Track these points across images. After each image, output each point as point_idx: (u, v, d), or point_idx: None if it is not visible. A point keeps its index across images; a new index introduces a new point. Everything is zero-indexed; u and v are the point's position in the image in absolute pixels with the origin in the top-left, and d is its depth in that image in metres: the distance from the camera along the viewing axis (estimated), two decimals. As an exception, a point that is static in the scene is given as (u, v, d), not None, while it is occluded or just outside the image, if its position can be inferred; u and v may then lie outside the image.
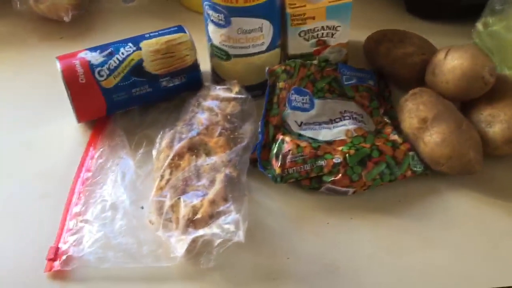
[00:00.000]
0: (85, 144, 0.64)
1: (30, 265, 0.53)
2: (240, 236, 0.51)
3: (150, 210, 0.55)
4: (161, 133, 0.61)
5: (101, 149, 0.63)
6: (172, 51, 0.64)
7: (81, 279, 0.52)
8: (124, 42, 0.64)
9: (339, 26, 0.66)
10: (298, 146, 0.58)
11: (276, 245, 0.55)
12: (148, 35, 0.65)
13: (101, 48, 0.64)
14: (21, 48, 0.79)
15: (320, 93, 0.66)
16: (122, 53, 0.63)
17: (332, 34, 0.67)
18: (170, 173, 0.57)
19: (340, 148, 0.59)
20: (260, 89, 0.67)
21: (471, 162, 0.57)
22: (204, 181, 0.56)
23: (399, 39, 0.68)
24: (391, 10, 0.83)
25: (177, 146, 0.59)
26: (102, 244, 0.53)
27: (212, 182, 0.55)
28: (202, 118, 0.62)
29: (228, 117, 0.61)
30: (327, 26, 0.66)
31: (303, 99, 0.65)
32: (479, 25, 0.74)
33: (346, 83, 0.68)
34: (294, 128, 0.62)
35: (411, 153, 0.59)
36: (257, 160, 0.59)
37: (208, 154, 0.58)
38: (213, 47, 0.66)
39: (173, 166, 0.57)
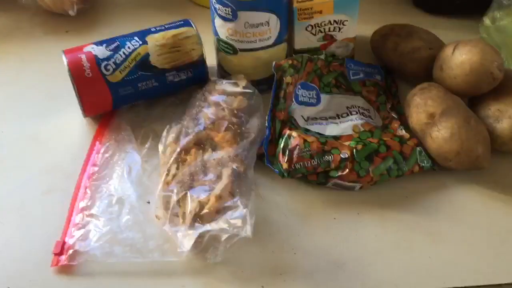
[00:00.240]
0: (91, 139, 0.64)
1: (36, 260, 0.53)
2: (248, 231, 0.51)
3: (157, 204, 0.55)
4: (167, 127, 0.61)
5: (107, 144, 0.62)
6: (178, 46, 0.64)
7: (87, 274, 0.52)
8: (130, 36, 0.64)
9: (347, 21, 0.66)
10: (305, 141, 0.58)
11: (283, 240, 0.54)
12: (154, 29, 0.65)
13: (107, 42, 0.63)
14: (26, 42, 0.79)
15: (327, 88, 0.66)
16: (129, 47, 0.63)
17: (340, 29, 0.67)
18: (177, 168, 0.57)
19: (347, 143, 0.59)
20: (266, 84, 0.66)
21: (479, 158, 0.56)
22: (211, 176, 0.55)
23: (407, 34, 0.68)
24: (398, 4, 0.83)
25: (183, 141, 0.58)
26: (109, 239, 0.53)
27: (219, 177, 0.55)
28: (209, 112, 0.61)
29: (235, 111, 0.61)
30: (334, 21, 0.66)
31: (309, 94, 0.64)
32: (487, 20, 0.73)
33: (352, 78, 0.67)
34: (301, 123, 0.62)
35: (418, 148, 0.59)
36: (264, 155, 0.59)
37: (214, 149, 0.58)
38: (219, 42, 0.66)
39: (180, 161, 0.57)
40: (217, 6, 0.62)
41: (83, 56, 0.62)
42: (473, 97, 0.63)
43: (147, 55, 0.63)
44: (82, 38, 0.69)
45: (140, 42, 0.63)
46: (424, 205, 0.57)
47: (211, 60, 0.68)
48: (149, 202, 0.56)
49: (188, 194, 0.54)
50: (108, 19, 0.82)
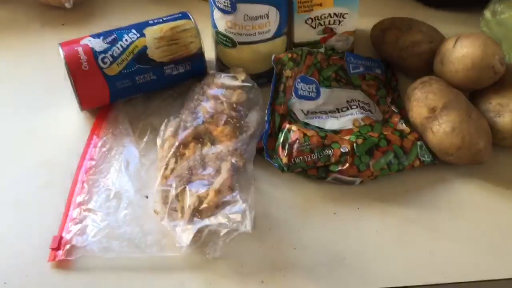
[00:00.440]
0: (88, 133, 0.63)
1: (34, 255, 0.52)
2: (247, 226, 0.50)
3: (155, 199, 0.55)
4: (166, 121, 0.61)
5: (105, 138, 0.62)
6: (176, 38, 0.63)
7: (85, 269, 0.52)
8: (128, 28, 0.63)
9: (347, 13, 0.65)
10: (305, 135, 0.57)
11: (282, 235, 0.54)
12: (152, 21, 0.64)
13: (104, 35, 0.63)
14: (23, 34, 0.78)
15: (327, 82, 0.66)
16: (126, 40, 0.62)
17: (340, 22, 0.66)
18: (175, 162, 0.56)
19: (347, 138, 0.58)
20: (265, 77, 0.66)
21: (480, 152, 0.56)
22: (210, 170, 0.55)
23: (407, 27, 0.67)
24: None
25: (182, 135, 0.58)
26: (106, 234, 0.53)
27: (218, 171, 0.55)
28: (207, 106, 0.61)
29: (234, 105, 0.60)
30: (334, 13, 0.65)
31: (309, 88, 0.64)
32: (487, 13, 0.73)
33: (352, 71, 0.67)
34: (301, 117, 0.62)
35: (419, 142, 0.59)
36: (263, 149, 0.59)
37: (213, 143, 0.58)
38: (218, 34, 0.65)
39: (178, 155, 0.57)
40: (216, -2, 0.61)
41: (80, 49, 0.61)
42: (474, 91, 0.62)
43: (144, 48, 0.62)
44: (79, 31, 0.68)
45: (138, 35, 0.62)
46: (424, 200, 0.57)
47: (209, 53, 0.67)
48: (147, 197, 0.56)
49: (187, 189, 0.53)
50: (105, 11, 0.81)
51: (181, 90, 0.66)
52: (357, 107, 0.63)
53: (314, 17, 0.65)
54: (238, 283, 0.50)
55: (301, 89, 0.63)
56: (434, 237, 0.54)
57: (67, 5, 0.78)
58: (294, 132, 0.58)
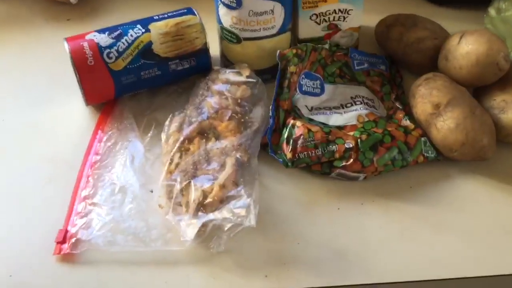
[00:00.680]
0: (93, 127, 0.63)
1: (39, 248, 0.53)
2: (252, 220, 0.50)
3: (160, 194, 0.55)
4: (170, 116, 0.61)
5: (110, 132, 0.62)
6: (181, 34, 0.63)
7: (90, 262, 0.52)
8: (133, 24, 0.64)
9: (352, 10, 0.65)
10: (309, 130, 0.57)
11: (286, 230, 0.54)
12: (157, 17, 0.64)
13: (109, 30, 0.63)
14: (27, 30, 0.78)
15: (331, 78, 0.66)
16: (131, 35, 0.62)
17: (344, 18, 0.66)
18: (180, 157, 0.56)
19: (351, 133, 0.58)
20: (270, 73, 0.66)
21: (484, 148, 0.56)
22: (214, 165, 0.55)
23: (412, 24, 0.67)
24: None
25: (187, 130, 0.58)
26: (111, 228, 0.53)
27: (222, 166, 0.55)
28: (212, 102, 0.61)
29: (239, 101, 0.61)
30: (339, 10, 0.65)
31: (313, 84, 0.64)
32: (492, 10, 0.73)
33: (357, 68, 0.67)
34: (305, 112, 0.62)
35: (423, 138, 0.59)
36: (268, 145, 0.59)
37: (218, 138, 0.58)
38: (223, 30, 0.65)
39: (183, 150, 0.57)
40: (221, -6, 0.61)
41: (86, 44, 0.61)
42: (478, 87, 0.62)
43: (150, 43, 0.62)
44: (84, 26, 0.69)
45: (143, 30, 0.63)
46: (428, 196, 0.57)
47: (214, 49, 0.67)
48: (152, 191, 0.56)
49: (192, 183, 0.54)
50: (110, 7, 0.81)
51: (186, 85, 0.66)
52: (361, 103, 0.63)
53: (319, 13, 0.65)
54: (242, 277, 0.51)
55: (306, 85, 0.63)
56: (437, 233, 0.54)
57: (72, 0, 0.78)
58: (298, 128, 0.58)
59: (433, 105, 0.58)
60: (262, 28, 0.63)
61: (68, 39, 0.62)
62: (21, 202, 0.57)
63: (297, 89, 0.63)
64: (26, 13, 0.81)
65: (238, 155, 0.56)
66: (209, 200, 0.52)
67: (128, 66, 0.62)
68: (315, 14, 0.65)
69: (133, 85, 0.63)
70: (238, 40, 0.64)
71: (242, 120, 0.59)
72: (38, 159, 0.61)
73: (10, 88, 0.70)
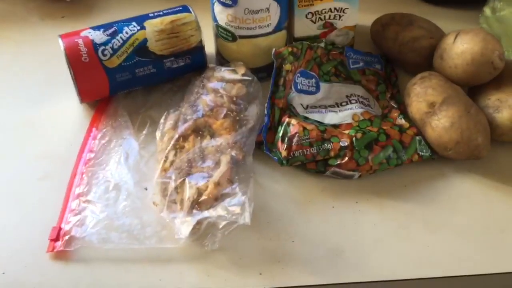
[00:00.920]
0: (88, 125, 0.63)
1: (32, 246, 0.52)
2: (246, 218, 0.50)
3: (154, 191, 0.55)
4: (165, 114, 0.61)
5: (104, 130, 0.62)
6: (176, 31, 0.63)
7: (84, 260, 0.52)
8: (128, 21, 0.63)
9: (347, 8, 0.65)
10: (304, 129, 0.57)
11: (281, 228, 0.54)
12: (152, 14, 0.64)
13: (104, 27, 0.63)
14: (22, 27, 0.78)
15: (326, 77, 0.66)
16: (126, 33, 0.62)
17: (340, 16, 0.66)
18: (175, 155, 0.56)
19: (347, 132, 0.58)
20: (265, 72, 0.66)
21: (479, 147, 0.56)
22: (209, 163, 0.55)
23: (407, 23, 0.67)
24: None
25: (182, 128, 0.58)
26: (105, 225, 0.53)
27: (217, 164, 0.55)
28: (207, 99, 0.61)
29: (234, 99, 0.61)
30: (335, 8, 0.65)
31: (309, 82, 0.64)
32: (487, 10, 0.73)
33: (352, 66, 0.67)
34: (300, 111, 0.62)
35: (418, 137, 0.59)
36: (263, 143, 0.59)
37: (213, 136, 0.58)
38: (218, 28, 0.65)
39: (178, 147, 0.57)
40: (217, -9, 0.61)
41: (80, 41, 0.61)
42: (473, 86, 0.63)
43: (145, 40, 0.62)
44: (79, 24, 0.68)
45: (138, 28, 0.62)
46: (422, 194, 0.57)
47: (210, 47, 0.67)
48: (146, 189, 0.56)
49: (186, 181, 0.54)
50: (105, 4, 0.81)
51: (181, 83, 0.66)
52: (356, 102, 0.63)
53: (315, 12, 0.65)
54: (236, 274, 0.51)
55: (301, 83, 0.63)
56: (432, 231, 0.54)
57: (67, -3, 0.78)
58: (293, 126, 0.58)
59: (428, 104, 0.58)
60: (257, 26, 0.63)
61: (62, 36, 0.62)
62: (15, 199, 0.57)
63: (293, 87, 0.63)
64: (21, 10, 0.81)
65: (233, 153, 0.56)
66: (203, 197, 0.52)
67: (123, 64, 0.62)
68: (310, 12, 0.65)
69: (128, 83, 0.63)
70: (234, 38, 0.64)
71: (237, 118, 0.59)
72: (32, 157, 0.61)
73: (4, 86, 0.70)
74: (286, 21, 0.65)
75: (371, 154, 0.57)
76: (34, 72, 0.71)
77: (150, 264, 0.51)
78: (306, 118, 0.61)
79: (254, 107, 0.61)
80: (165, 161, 0.56)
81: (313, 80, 0.64)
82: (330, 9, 0.65)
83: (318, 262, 0.52)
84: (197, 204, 0.52)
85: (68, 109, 0.65)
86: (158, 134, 0.59)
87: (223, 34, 0.65)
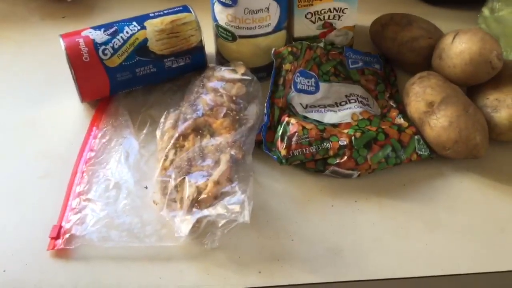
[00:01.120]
0: (88, 124, 0.63)
1: (33, 244, 0.53)
2: (246, 217, 0.51)
3: (154, 190, 0.55)
4: (165, 113, 0.61)
5: (105, 129, 0.62)
6: (177, 31, 0.64)
7: (84, 258, 0.52)
8: (129, 21, 0.64)
9: (346, 8, 0.66)
10: (303, 128, 0.58)
11: (280, 227, 0.54)
12: (153, 14, 0.65)
13: (105, 27, 0.63)
14: (23, 27, 0.78)
15: (326, 76, 0.66)
16: (127, 32, 0.62)
17: (339, 17, 0.66)
18: (175, 154, 0.56)
19: (346, 131, 0.59)
20: (265, 71, 0.66)
21: (477, 146, 0.56)
22: (209, 162, 0.55)
23: (406, 23, 0.68)
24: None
25: (181, 127, 0.58)
26: (106, 223, 0.53)
27: (217, 162, 0.55)
28: (207, 99, 0.61)
29: (234, 98, 0.61)
30: (334, 8, 0.66)
31: (308, 82, 0.64)
32: (485, 10, 0.73)
33: (351, 66, 0.67)
34: (299, 110, 0.62)
35: (416, 136, 0.59)
36: (262, 142, 0.59)
37: (212, 135, 0.58)
38: (218, 28, 0.65)
39: (178, 146, 0.57)
40: (217, -9, 0.61)
41: (81, 40, 0.61)
42: (471, 86, 0.63)
43: (145, 40, 0.62)
44: (79, 24, 0.69)
45: (139, 27, 0.63)
46: (421, 193, 0.57)
47: (210, 46, 0.68)
48: (146, 187, 0.56)
49: (186, 180, 0.54)
50: (106, 4, 0.81)
51: (181, 83, 0.67)
52: (355, 101, 0.63)
53: (314, 12, 0.66)
54: (236, 273, 0.51)
55: (300, 83, 0.64)
56: (430, 230, 0.54)
57: (67, -2, 0.79)
58: (293, 125, 0.58)
59: (427, 103, 0.59)
60: (257, 26, 0.63)
61: (63, 36, 0.62)
62: (16, 198, 0.57)
63: (292, 87, 0.63)
64: (22, 10, 0.81)
65: (232, 152, 0.56)
66: (203, 196, 0.52)
67: (123, 63, 0.62)
68: (310, 12, 0.66)
69: (128, 82, 0.63)
70: (234, 38, 0.64)
71: (237, 117, 0.60)
72: (33, 156, 0.61)
73: (5, 85, 0.70)
74: (286, 21, 0.66)
75: (370, 153, 0.57)
76: (35, 72, 0.71)
77: (150, 262, 0.52)
78: (305, 118, 0.61)
79: (254, 107, 0.61)
80: (165, 160, 0.56)
81: (313, 80, 0.64)
82: (330, 9, 0.66)
83: (317, 261, 0.52)
84: (196, 202, 0.52)
85: (69, 109, 0.66)
86: (158, 133, 0.60)
87: (223, 34, 0.65)
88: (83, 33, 0.62)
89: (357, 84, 0.66)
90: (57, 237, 0.52)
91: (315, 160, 0.58)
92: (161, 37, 0.63)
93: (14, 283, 0.50)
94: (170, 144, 0.57)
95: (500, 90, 0.60)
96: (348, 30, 0.69)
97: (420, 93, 0.60)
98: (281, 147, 0.58)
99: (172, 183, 0.54)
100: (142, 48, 0.62)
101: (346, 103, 0.63)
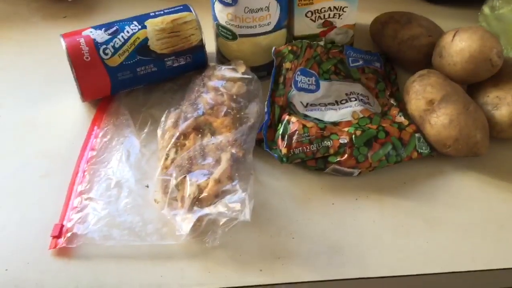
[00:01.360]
0: (90, 123, 0.64)
1: (35, 242, 0.53)
2: (246, 215, 0.51)
3: (156, 188, 0.55)
4: (166, 112, 0.61)
5: (106, 128, 0.62)
6: (177, 30, 0.64)
7: (86, 257, 0.52)
8: (129, 20, 0.64)
9: (346, 7, 0.66)
10: (304, 126, 0.58)
11: (281, 225, 0.55)
12: (153, 13, 0.65)
13: (106, 26, 0.63)
14: (24, 27, 0.79)
15: (326, 75, 0.66)
16: (127, 32, 0.62)
17: (339, 15, 0.67)
18: (176, 152, 0.57)
19: (346, 129, 0.59)
20: (265, 70, 0.66)
21: (477, 144, 0.57)
22: (209, 160, 0.55)
23: (406, 21, 0.68)
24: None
25: (182, 126, 0.58)
26: (107, 222, 0.53)
27: (217, 161, 0.55)
28: (208, 98, 0.61)
29: (234, 97, 0.61)
30: (334, 7, 0.66)
31: (309, 80, 0.64)
32: (486, 8, 0.73)
33: (352, 65, 0.67)
34: (300, 109, 0.62)
35: (417, 134, 0.59)
36: (263, 140, 0.59)
37: (213, 133, 0.58)
38: (219, 27, 0.65)
39: (179, 145, 0.57)
40: (217, -10, 0.62)
41: (82, 40, 0.61)
42: (472, 84, 0.63)
43: (146, 39, 0.63)
44: (80, 24, 0.69)
45: (139, 27, 0.63)
46: (422, 191, 0.58)
47: (210, 45, 0.68)
48: (147, 186, 0.56)
49: (187, 178, 0.54)
50: (106, 4, 0.81)
51: (182, 82, 0.67)
52: (356, 99, 0.63)
53: (314, 10, 0.66)
54: (237, 271, 0.51)
55: (301, 81, 0.64)
56: (431, 228, 0.54)
57: (68, -3, 0.79)
58: (293, 123, 0.58)
59: (427, 101, 0.59)
60: (257, 25, 0.63)
61: (64, 35, 0.62)
62: (18, 197, 0.57)
63: (293, 85, 0.63)
64: (23, 10, 0.81)
65: (233, 151, 0.56)
66: (204, 194, 0.53)
67: (124, 62, 0.62)
68: (310, 11, 0.66)
69: (129, 82, 0.64)
70: (234, 37, 0.64)
71: (238, 116, 0.60)
72: (34, 155, 0.61)
73: (7, 85, 0.70)
74: (286, 19, 0.66)
75: (371, 152, 0.57)
76: (36, 72, 0.71)
77: (151, 261, 0.52)
78: (306, 116, 0.61)
79: (254, 105, 0.61)
80: (166, 158, 0.56)
81: (313, 78, 0.64)
82: (330, 7, 0.66)
83: (318, 259, 0.52)
84: (197, 201, 0.52)
85: (70, 108, 0.66)
86: (159, 132, 0.60)
87: (223, 33, 0.65)
88: (84, 33, 0.62)
89: (358, 83, 0.66)
90: (58, 236, 0.53)
91: (316, 159, 0.58)
92: (162, 36, 0.63)
93: (16, 282, 0.50)
94: (171, 143, 0.57)
95: (500, 88, 0.60)
96: (348, 28, 0.69)
97: (420, 91, 0.60)
98: (282, 146, 0.58)
99: (173, 181, 0.54)
100: (142, 47, 0.63)
101: (347, 101, 0.63)
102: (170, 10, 0.65)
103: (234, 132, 0.58)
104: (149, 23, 0.63)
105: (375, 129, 0.59)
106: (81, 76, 0.61)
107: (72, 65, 0.60)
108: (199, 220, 0.52)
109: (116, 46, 0.62)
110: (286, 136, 0.58)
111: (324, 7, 0.66)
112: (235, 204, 0.52)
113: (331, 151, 0.57)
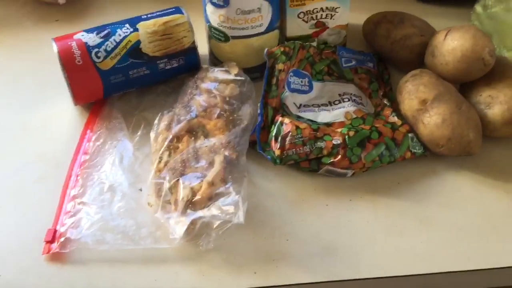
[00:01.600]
0: (82, 127, 0.63)
1: (28, 247, 0.53)
2: (240, 217, 0.51)
3: (149, 192, 0.55)
4: (159, 115, 0.61)
5: (99, 132, 0.62)
6: (169, 33, 0.64)
7: (79, 261, 0.52)
8: (121, 23, 0.64)
9: (339, 7, 0.66)
10: (297, 127, 0.58)
11: (275, 227, 0.54)
12: (145, 16, 0.65)
13: (98, 30, 0.63)
14: (16, 31, 0.78)
15: (319, 76, 0.66)
16: (119, 35, 0.62)
17: (332, 16, 0.67)
18: (169, 155, 0.56)
19: (339, 130, 0.59)
20: (258, 72, 0.66)
21: (470, 143, 0.57)
22: (203, 163, 0.55)
23: (399, 21, 0.68)
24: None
25: (175, 128, 0.58)
26: (100, 226, 0.53)
27: (211, 164, 0.55)
28: (201, 100, 0.61)
29: (227, 99, 0.61)
30: (326, 7, 0.66)
31: (302, 81, 0.64)
32: (478, 7, 0.73)
33: (345, 65, 0.67)
34: (293, 110, 0.62)
35: (410, 134, 0.59)
36: (256, 142, 0.59)
37: (206, 136, 0.58)
38: (211, 29, 0.65)
39: (172, 148, 0.57)
40: (209, -8, 0.61)
41: (74, 44, 0.61)
42: (464, 83, 0.63)
43: (138, 42, 0.62)
44: (72, 27, 0.69)
45: (131, 29, 0.63)
46: (415, 191, 0.58)
47: (203, 47, 0.68)
48: (141, 190, 0.56)
49: (180, 181, 0.54)
50: (98, 7, 0.81)
51: (175, 84, 0.67)
52: (349, 100, 0.63)
53: (306, 11, 0.66)
54: (231, 273, 0.51)
55: (294, 82, 0.64)
56: (425, 228, 0.54)
57: (60, 1, 0.79)
58: (286, 125, 0.58)
59: (420, 101, 0.59)
60: (250, 26, 0.63)
61: (56, 39, 0.62)
62: (10, 201, 0.57)
63: (286, 86, 0.63)
64: (15, 14, 0.81)
65: (226, 153, 0.56)
66: (197, 197, 0.52)
67: (116, 66, 0.62)
68: (302, 12, 0.66)
69: (121, 85, 0.64)
70: (226, 38, 0.64)
71: (231, 118, 0.60)
72: (27, 159, 0.61)
73: (-1, 89, 0.70)
74: (278, 21, 0.66)
75: (364, 152, 0.57)
76: (29, 76, 0.71)
77: (145, 264, 0.52)
78: (299, 117, 0.61)
79: (247, 107, 0.61)
80: (159, 162, 0.56)
81: (306, 79, 0.64)
82: (322, 8, 0.66)
83: (313, 260, 0.52)
84: (191, 204, 0.52)
85: (63, 112, 0.66)
86: (152, 135, 0.60)
87: (215, 34, 0.65)
88: (76, 36, 0.62)
89: (351, 83, 0.66)
90: (52, 241, 0.52)
91: (309, 160, 0.58)
92: (154, 39, 0.63)
93: (9, 287, 0.50)
94: (164, 146, 0.57)
95: (493, 87, 0.60)
96: (341, 29, 0.69)
97: (413, 91, 0.60)
98: (275, 147, 0.58)
99: (166, 185, 0.54)
100: (135, 50, 0.62)
101: (340, 102, 0.63)
102: (162, 12, 0.65)
103: (227, 134, 0.58)
104: (141, 25, 0.63)
105: (368, 130, 0.58)
106: (73, 79, 0.61)
107: (64, 69, 0.60)
108: (193, 223, 0.52)
109: (108, 49, 0.61)
110: (280, 137, 0.58)
111: (316, 8, 0.66)
112: (228, 206, 0.52)
113: (325, 152, 0.57)
